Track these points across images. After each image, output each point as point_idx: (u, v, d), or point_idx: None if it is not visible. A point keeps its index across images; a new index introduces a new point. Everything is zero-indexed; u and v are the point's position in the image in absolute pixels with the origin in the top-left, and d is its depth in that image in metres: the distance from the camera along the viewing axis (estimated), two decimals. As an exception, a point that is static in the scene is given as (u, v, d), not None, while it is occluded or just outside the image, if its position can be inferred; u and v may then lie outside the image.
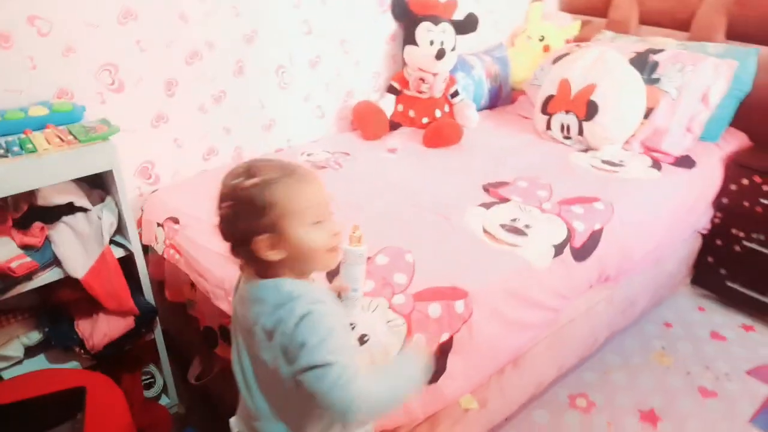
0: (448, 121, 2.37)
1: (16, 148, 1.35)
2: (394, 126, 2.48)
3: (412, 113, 2.49)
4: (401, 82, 2.51)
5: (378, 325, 1.30)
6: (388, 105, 2.49)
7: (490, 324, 1.47)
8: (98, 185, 1.63)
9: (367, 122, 2.38)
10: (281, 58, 2.17)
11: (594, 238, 1.75)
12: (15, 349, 1.56)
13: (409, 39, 2.45)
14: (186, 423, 1.86)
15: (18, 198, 1.44)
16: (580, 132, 2.32)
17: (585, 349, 2.01)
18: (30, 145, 1.37)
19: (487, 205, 1.82)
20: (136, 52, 1.80)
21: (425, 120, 2.47)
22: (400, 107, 2.51)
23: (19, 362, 1.60)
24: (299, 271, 0.95)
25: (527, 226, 1.71)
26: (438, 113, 2.47)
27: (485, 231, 1.67)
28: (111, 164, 1.46)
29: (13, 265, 1.34)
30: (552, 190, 1.94)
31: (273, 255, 0.89)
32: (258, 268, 0.93)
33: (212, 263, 1.55)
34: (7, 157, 1.34)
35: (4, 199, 1.42)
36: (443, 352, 1.39)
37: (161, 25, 1.82)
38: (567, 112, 2.34)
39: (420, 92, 2.47)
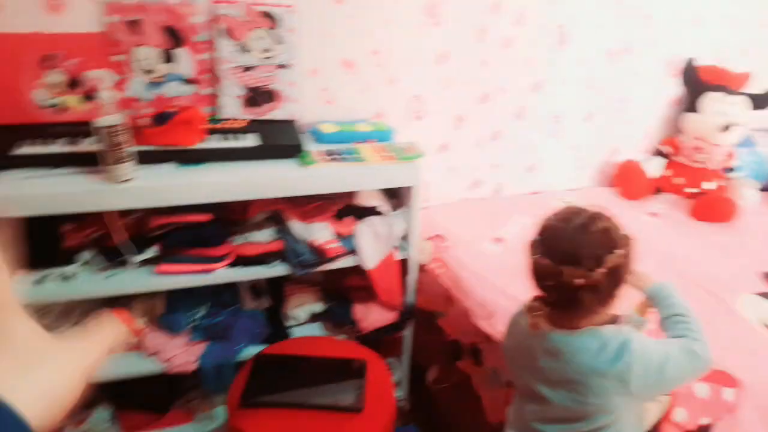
0: (723, 196, 2.24)
1: (350, 156, 1.67)
2: (657, 190, 2.42)
3: (679, 180, 2.40)
4: (673, 148, 2.44)
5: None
6: (655, 168, 2.43)
7: (758, 422, 1.36)
8: (392, 195, 1.91)
9: (629, 181, 2.37)
10: (559, 108, 2.29)
11: None
12: (302, 314, 1.90)
13: (692, 106, 2.37)
14: (408, 420, 2.04)
15: (341, 194, 1.77)
16: None
17: None
18: (360, 155, 1.68)
19: (765, 295, 1.69)
20: (441, 89, 2.06)
21: (693, 190, 2.36)
22: (668, 172, 2.43)
23: (301, 325, 1.94)
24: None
25: (815, 329, 1.55)
26: (709, 186, 2.34)
27: (765, 324, 1.56)
28: (415, 181, 1.71)
29: (329, 246, 1.66)
30: None
31: (614, 304, 1.00)
32: (574, 317, 1.03)
33: (476, 284, 1.70)
34: (343, 161, 1.66)
35: (333, 194, 1.76)
36: (699, 434, 1.34)
37: (466, 68, 2.06)
38: None
39: (693, 161, 2.37)
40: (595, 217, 1.02)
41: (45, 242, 1.56)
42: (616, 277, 1.00)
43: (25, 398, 0.31)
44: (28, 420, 0.30)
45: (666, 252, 1.91)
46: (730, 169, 2.35)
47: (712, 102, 2.30)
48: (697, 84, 2.36)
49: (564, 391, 1.06)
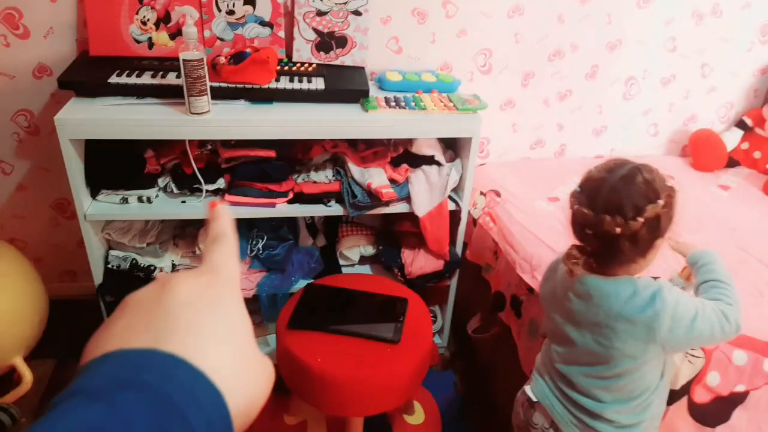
0: (804, 174, 2.11)
1: (411, 104, 1.72)
2: (731, 163, 2.31)
3: (757, 154, 2.28)
4: (756, 120, 2.30)
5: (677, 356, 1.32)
6: (732, 139, 2.31)
7: (798, 399, 1.34)
8: (449, 146, 1.94)
9: (703, 151, 2.27)
10: (635, 70, 2.21)
11: None
12: (354, 255, 2.01)
13: (784, 76, 2.22)
14: (447, 367, 2.13)
15: (399, 142, 1.83)
16: None
17: None
18: (421, 104, 1.73)
19: (830, 277, 1.62)
20: (511, 43, 2.04)
21: (772, 166, 2.24)
22: (745, 145, 2.31)
23: (352, 265, 2.05)
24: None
25: None
26: (792, 162, 2.21)
27: (823, 302, 1.50)
28: (473, 133, 1.73)
29: (383, 191, 1.73)
30: None
31: (653, 255, 1.02)
32: (611, 265, 1.06)
33: (525, 238, 1.73)
34: (404, 109, 1.71)
35: (389, 140, 1.82)
36: (733, 402, 1.34)
37: (540, 22, 2.02)
38: None
39: (777, 135, 2.24)
40: (639, 168, 1.03)
41: (130, 166, 1.73)
42: (656, 227, 1.01)
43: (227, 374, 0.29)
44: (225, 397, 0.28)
45: (728, 224, 1.85)
46: (819, 147, 2.20)
47: (806, 73, 2.14)
48: (792, 52, 2.20)
49: (590, 334, 1.09)
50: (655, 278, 1.30)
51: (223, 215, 0.40)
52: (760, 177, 2.21)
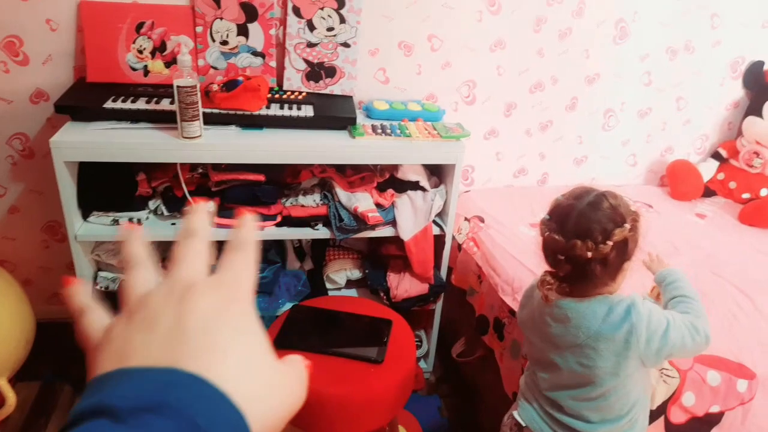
0: (776, 203, 2.19)
1: (397, 131, 1.78)
2: (707, 193, 2.39)
3: (732, 185, 2.36)
4: (730, 152, 2.39)
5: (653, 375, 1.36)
6: (708, 170, 2.40)
7: (771, 418, 1.38)
8: (434, 172, 2.00)
9: (680, 181, 2.35)
10: (613, 102, 2.30)
11: None
12: (341, 278, 2.04)
13: (755, 110, 2.32)
14: (433, 392, 2.14)
15: (385, 168, 1.88)
16: None
17: None
18: (407, 131, 1.79)
19: (801, 301, 1.67)
20: (494, 75, 2.13)
21: (746, 195, 2.32)
22: (721, 175, 2.39)
23: (339, 289, 2.07)
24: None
25: None
26: (764, 192, 2.29)
27: (793, 325, 1.55)
28: (457, 160, 1.80)
29: (369, 215, 1.77)
30: None
31: (622, 277, 1.07)
32: (584, 288, 1.10)
33: (507, 262, 1.78)
34: (390, 136, 1.77)
35: (376, 165, 1.88)
36: (708, 422, 1.37)
37: (521, 56, 2.11)
38: None
39: (750, 166, 2.32)
40: (605, 194, 1.08)
41: (122, 188, 1.77)
42: (624, 250, 1.06)
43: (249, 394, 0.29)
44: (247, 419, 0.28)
45: (703, 250, 1.91)
46: (790, 178, 2.29)
47: (776, 107, 2.24)
48: (761, 86, 2.31)
49: (572, 356, 1.12)
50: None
51: (248, 225, 0.38)
52: (736, 206, 2.29)
